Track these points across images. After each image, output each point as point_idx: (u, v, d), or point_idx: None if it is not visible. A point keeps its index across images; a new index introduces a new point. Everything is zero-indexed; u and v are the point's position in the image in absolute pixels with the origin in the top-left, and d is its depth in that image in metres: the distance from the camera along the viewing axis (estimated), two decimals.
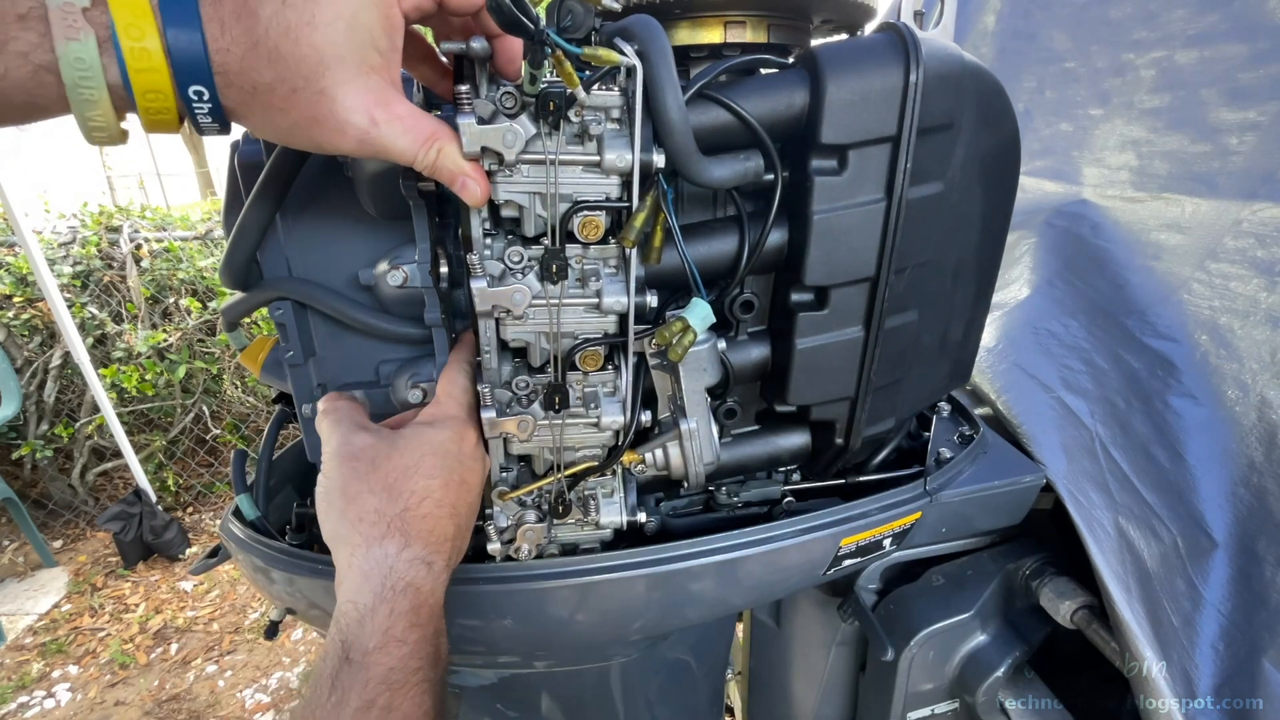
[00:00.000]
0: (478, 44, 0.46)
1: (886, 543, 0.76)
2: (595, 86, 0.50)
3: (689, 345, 0.55)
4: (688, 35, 0.62)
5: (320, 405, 0.60)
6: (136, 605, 2.98)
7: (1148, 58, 1.01)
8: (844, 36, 0.69)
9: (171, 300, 3.39)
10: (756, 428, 0.72)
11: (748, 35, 0.61)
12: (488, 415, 0.58)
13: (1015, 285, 1.09)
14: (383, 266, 0.61)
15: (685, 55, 0.64)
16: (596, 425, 0.61)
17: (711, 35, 0.61)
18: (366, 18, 0.41)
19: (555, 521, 0.64)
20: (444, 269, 0.59)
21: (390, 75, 0.44)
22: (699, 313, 0.55)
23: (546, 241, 0.54)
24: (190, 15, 0.37)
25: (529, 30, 0.42)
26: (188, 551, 3.26)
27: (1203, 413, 0.77)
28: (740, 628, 1.34)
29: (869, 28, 0.68)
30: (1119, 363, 0.88)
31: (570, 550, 0.68)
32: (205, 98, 0.39)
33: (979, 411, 0.97)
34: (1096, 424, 0.85)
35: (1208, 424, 0.76)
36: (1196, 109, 0.93)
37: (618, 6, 0.51)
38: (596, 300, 0.56)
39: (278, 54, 0.39)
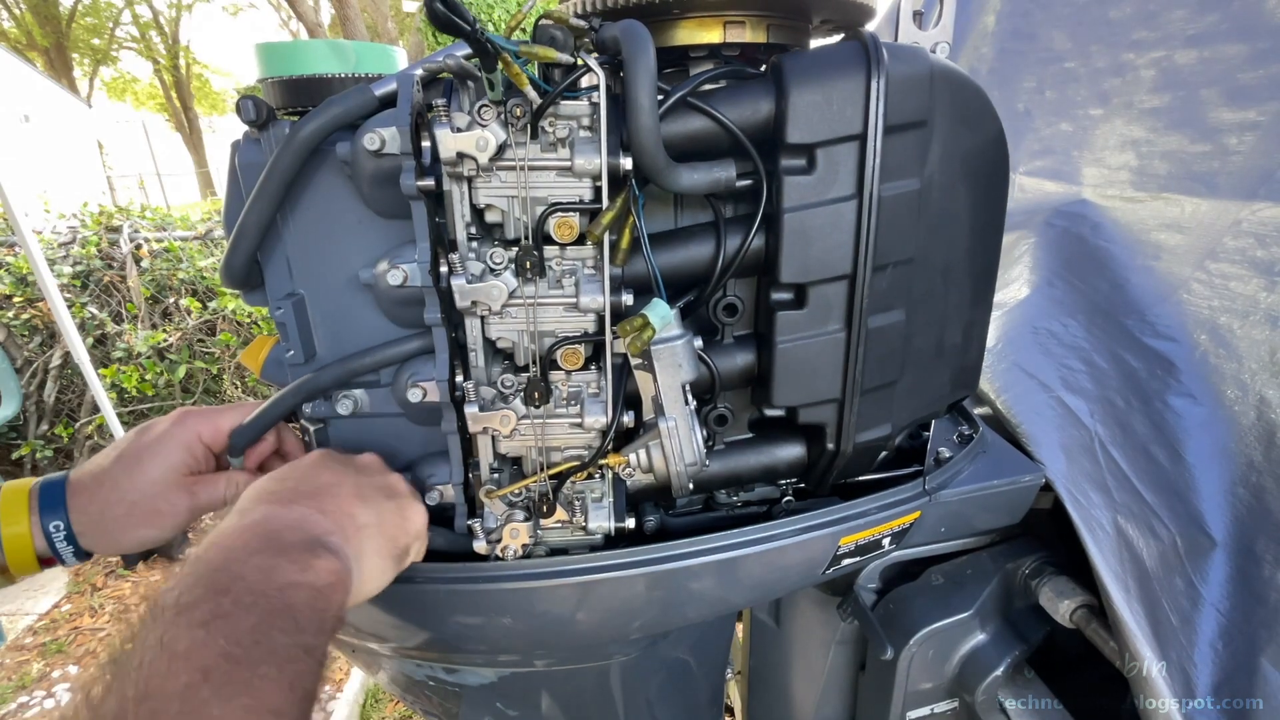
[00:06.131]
0: (453, 62, 0.51)
1: (885, 542, 0.76)
2: (589, 95, 0.52)
3: (648, 340, 0.57)
4: (687, 35, 0.62)
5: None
6: (137, 605, 2.98)
7: (1148, 58, 1.02)
8: (843, 37, 0.69)
9: (171, 300, 3.39)
10: (751, 435, 0.72)
11: (747, 35, 0.61)
12: (471, 410, 0.60)
13: (1015, 285, 1.09)
14: (383, 266, 0.61)
15: (684, 55, 0.64)
16: (580, 424, 0.62)
17: (711, 35, 0.61)
18: (171, 478, 0.65)
19: (542, 523, 0.65)
20: (444, 269, 0.59)
21: (198, 476, 0.66)
22: (658, 311, 0.58)
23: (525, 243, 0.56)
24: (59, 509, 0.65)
25: (464, 30, 0.43)
26: (188, 551, 3.25)
27: (1202, 412, 0.77)
28: (740, 627, 1.34)
29: (869, 28, 0.68)
30: (1119, 362, 0.88)
31: (560, 554, 0.68)
32: (63, 533, 0.66)
33: (979, 411, 0.97)
34: (1096, 424, 0.85)
35: (1207, 423, 0.76)
36: (1196, 109, 0.93)
37: (585, 24, 0.54)
38: (574, 299, 0.58)
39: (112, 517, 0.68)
